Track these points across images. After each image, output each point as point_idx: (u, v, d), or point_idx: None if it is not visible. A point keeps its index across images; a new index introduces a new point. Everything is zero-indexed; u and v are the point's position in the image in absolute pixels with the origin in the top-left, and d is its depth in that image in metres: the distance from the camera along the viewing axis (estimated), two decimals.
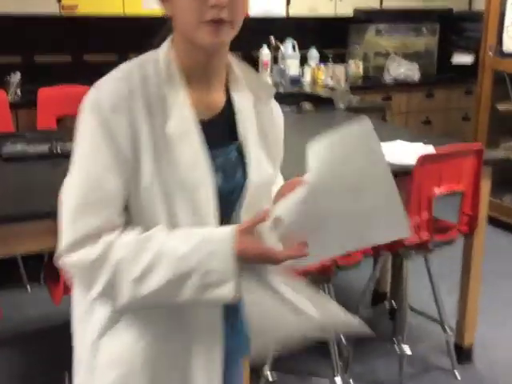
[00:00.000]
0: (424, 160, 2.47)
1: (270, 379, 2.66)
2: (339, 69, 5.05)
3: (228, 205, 1.21)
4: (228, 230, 1.09)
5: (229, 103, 1.24)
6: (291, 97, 4.53)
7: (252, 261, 1.09)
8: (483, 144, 4.64)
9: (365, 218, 1.09)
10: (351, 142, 1.06)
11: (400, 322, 2.82)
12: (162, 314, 1.16)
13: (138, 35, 1.22)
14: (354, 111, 3.92)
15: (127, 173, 1.10)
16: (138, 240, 1.09)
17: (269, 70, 4.86)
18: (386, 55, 5.34)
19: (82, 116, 1.12)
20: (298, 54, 4.97)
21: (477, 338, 3.02)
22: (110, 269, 1.07)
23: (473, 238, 2.84)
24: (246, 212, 1.21)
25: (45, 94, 3.77)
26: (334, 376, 2.57)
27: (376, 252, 2.69)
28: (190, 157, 1.13)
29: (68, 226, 1.09)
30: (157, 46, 1.21)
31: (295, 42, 4.94)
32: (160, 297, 1.08)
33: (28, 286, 3.57)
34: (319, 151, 1.07)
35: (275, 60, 4.87)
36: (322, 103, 4.20)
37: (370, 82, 5.18)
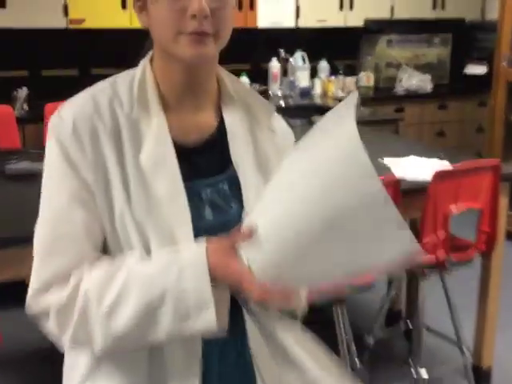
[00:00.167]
0: (440, 176, 2.39)
1: None
2: (350, 80, 4.99)
3: None
4: (199, 245, 0.95)
5: (222, 125, 1.11)
6: (301, 109, 4.47)
7: (226, 280, 0.93)
8: (498, 156, 4.57)
9: (358, 236, 0.89)
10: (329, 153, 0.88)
11: (416, 343, 2.73)
12: (142, 360, 1.02)
13: (145, 48, 1.15)
14: (366, 124, 3.84)
15: (96, 203, 0.99)
16: (107, 271, 0.97)
17: (278, 82, 4.80)
18: (398, 66, 5.26)
19: (47, 143, 1.03)
20: (307, 65, 4.90)
21: (495, 359, 2.92)
22: (79, 308, 0.95)
23: (491, 256, 2.74)
24: None
25: (51, 109, 3.72)
26: None
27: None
28: (165, 192, 1.00)
29: (35, 271, 0.99)
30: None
31: (305, 53, 4.88)
32: (136, 331, 0.95)
33: None
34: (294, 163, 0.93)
35: (285, 72, 4.80)
36: None
37: (382, 94, 5.10)
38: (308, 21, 4.84)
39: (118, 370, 1.03)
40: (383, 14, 5.13)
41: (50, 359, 3.01)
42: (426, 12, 5.30)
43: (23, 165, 2.45)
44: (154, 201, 0.99)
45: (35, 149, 3.07)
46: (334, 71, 5.06)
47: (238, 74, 4.55)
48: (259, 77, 4.78)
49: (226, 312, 0.96)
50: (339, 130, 0.89)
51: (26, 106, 3.91)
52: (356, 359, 2.66)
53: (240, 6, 4.51)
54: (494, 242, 2.62)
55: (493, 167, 2.55)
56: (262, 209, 0.94)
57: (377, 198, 0.85)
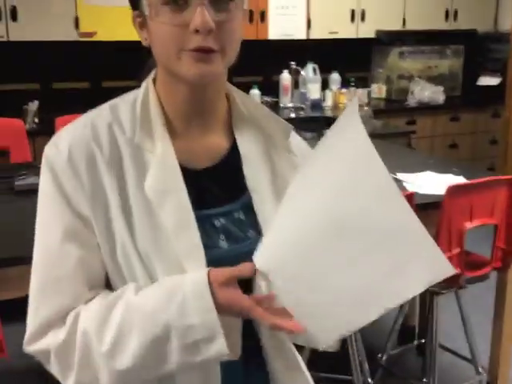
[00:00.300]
0: (454, 191, 2.34)
1: None
2: (362, 92, 4.95)
3: None
4: (200, 275, 0.88)
5: (234, 148, 1.02)
6: (312, 122, 4.44)
7: (233, 310, 0.87)
8: None
9: (386, 263, 0.82)
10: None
11: (429, 361, 2.67)
12: None
13: (146, 68, 1.09)
14: (378, 137, 3.80)
15: (94, 237, 0.92)
16: (104, 306, 0.90)
17: (289, 94, 4.78)
18: (410, 78, 5.23)
19: (41, 174, 0.95)
20: (319, 77, 4.88)
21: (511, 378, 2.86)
22: (79, 348, 0.89)
23: (507, 272, 2.69)
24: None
25: (63, 122, 3.71)
26: None
27: None
28: (173, 222, 0.91)
29: (31, 314, 0.94)
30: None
31: (316, 65, 4.86)
32: (143, 367, 0.89)
33: None
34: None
35: (296, 84, 4.78)
36: None
37: (394, 106, 5.06)
38: (319, 32, 4.83)
39: None
40: (395, 25, 5.11)
41: None
42: (438, 23, 5.27)
43: (32, 180, 2.43)
44: (161, 232, 0.92)
45: None
46: (345, 83, 5.03)
47: (249, 86, 4.54)
48: (270, 89, 4.76)
49: (239, 337, 0.91)
50: (347, 140, 0.86)
51: (36, 119, 3.91)
52: (369, 379, 2.61)
53: (251, 19, 4.50)
54: (510, 258, 2.57)
55: (508, 182, 2.50)
56: (276, 233, 0.89)
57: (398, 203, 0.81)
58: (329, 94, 4.94)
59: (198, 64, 0.90)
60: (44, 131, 3.78)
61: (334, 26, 4.87)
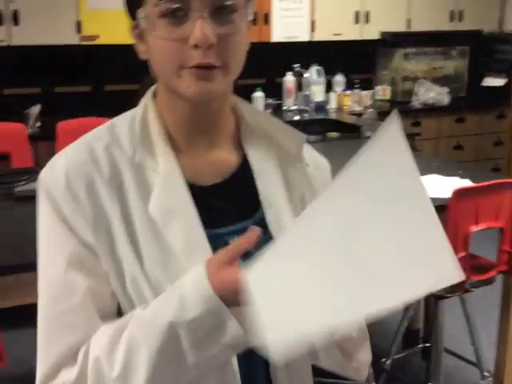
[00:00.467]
0: (460, 194, 2.32)
1: None
2: (366, 94, 4.93)
3: None
4: (198, 266, 0.82)
5: (245, 162, 0.96)
6: (316, 124, 4.42)
7: (236, 297, 0.78)
8: None
9: (400, 258, 0.78)
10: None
11: (434, 365, 2.64)
12: None
13: (144, 84, 1.05)
14: None
15: (101, 266, 0.86)
16: (112, 329, 0.84)
17: (293, 96, 4.76)
18: (415, 79, 5.20)
19: (38, 202, 0.90)
20: (323, 79, 4.85)
21: None
22: (92, 380, 0.83)
23: None
24: None
25: (64, 126, 3.71)
26: None
27: None
28: (183, 244, 0.86)
29: (41, 353, 0.87)
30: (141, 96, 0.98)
31: (320, 67, 4.83)
32: (161, 378, 0.82)
33: None
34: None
35: (300, 86, 4.76)
36: (349, 131, 4.07)
37: (398, 108, 4.99)
38: (323, 34, 4.80)
39: None
40: (399, 26, 5.08)
41: None
42: (443, 24, 5.23)
43: (33, 186, 2.41)
44: (170, 254, 0.86)
45: None
46: (349, 85, 5.00)
47: (252, 88, 4.52)
48: (274, 91, 4.74)
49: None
50: (389, 165, 0.80)
51: (38, 124, 3.90)
52: (373, 383, 2.58)
53: (254, 21, 4.47)
54: None
55: None
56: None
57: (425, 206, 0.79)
58: (333, 96, 4.92)
59: (198, 82, 0.84)
60: (46, 136, 3.79)
61: (338, 27, 4.85)
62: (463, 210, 2.35)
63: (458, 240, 2.37)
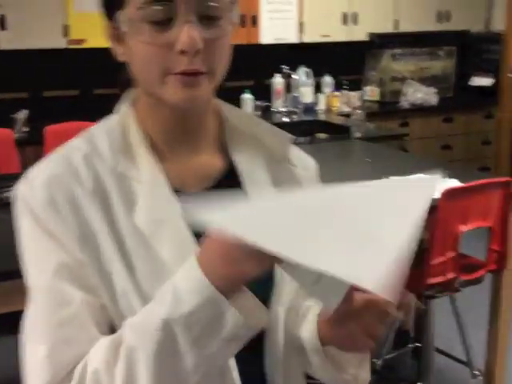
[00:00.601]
0: (449, 195, 2.33)
1: None
2: (354, 95, 4.94)
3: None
4: (189, 259, 0.77)
5: (231, 167, 0.94)
6: (305, 125, 4.43)
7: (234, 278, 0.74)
8: (506, 169, 4.52)
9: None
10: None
11: (425, 365, 2.65)
12: None
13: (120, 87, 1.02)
14: (371, 140, 3.79)
15: (89, 278, 0.82)
16: (110, 341, 0.79)
17: (282, 98, 4.77)
18: (403, 80, 5.22)
19: (18, 220, 0.86)
20: (311, 81, 4.86)
21: (507, 381, 2.84)
22: None
23: (502, 274, 2.67)
24: (281, 302, 0.91)
25: (52, 130, 3.69)
26: None
27: None
28: (173, 253, 0.83)
29: (34, 368, 0.82)
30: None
31: (309, 69, 4.84)
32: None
33: None
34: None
35: (288, 88, 4.77)
36: (337, 132, 4.08)
37: (387, 108, 5.05)
38: (311, 36, 4.81)
39: None
40: (387, 27, 5.10)
41: None
42: (430, 25, 5.26)
43: None
44: (162, 267, 0.83)
45: None
46: (338, 86, 5.01)
47: (241, 90, 4.52)
48: (263, 93, 4.74)
49: (252, 298, 0.77)
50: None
51: (25, 129, 3.88)
52: None
53: (242, 23, 4.48)
54: (505, 260, 2.56)
55: (502, 184, 2.49)
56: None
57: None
58: (322, 98, 4.92)
59: (184, 89, 0.82)
60: (33, 141, 3.76)
61: (327, 29, 4.86)
62: (452, 210, 2.36)
63: (448, 240, 2.38)
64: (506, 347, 2.78)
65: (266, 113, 4.64)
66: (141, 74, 0.85)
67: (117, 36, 0.87)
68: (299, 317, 0.97)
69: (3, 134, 3.56)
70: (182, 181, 0.89)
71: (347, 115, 4.62)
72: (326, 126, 4.33)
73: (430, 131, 5.07)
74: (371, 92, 5.16)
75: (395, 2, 5.09)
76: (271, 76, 4.76)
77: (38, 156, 3.50)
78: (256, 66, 4.80)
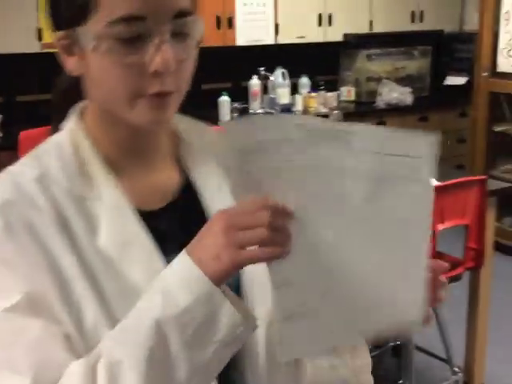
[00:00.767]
0: None
1: None
2: (331, 96, 4.96)
3: None
4: (179, 258, 0.74)
5: (188, 182, 0.90)
6: None
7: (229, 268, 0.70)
8: (480, 166, 4.57)
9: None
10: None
11: (405, 363, 2.67)
12: None
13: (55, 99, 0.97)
14: None
15: (51, 308, 0.75)
16: (84, 365, 0.72)
17: (259, 99, 4.76)
18: (378, 80, 5.25)
19: None
20: (288, 82, 4.86)
21: (487, 376, 2.87)
22: None
23: (479, 272, 2.70)
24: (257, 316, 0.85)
25: (26, 136, 3.63)
26: None
27: None
28: (143, 275, 0.78)
29: None
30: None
31: (285, 70, 4.85)
32: None
33: None
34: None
35: (265, 89, 4.77)
36: None
37: (363, 108, 5.08)
38: (287, 37, 4.82)
39: None
40: (362, 28, 5.13)
41: None
42: (404, 25, 5.30)
43: None
44: (132, 288, 0.77)
45: None
46: (314, 87, 5.03)
47: (218, 92, 4.51)
48: (240, 95, 4.73)
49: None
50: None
51: (0, 134, 3.83)
52: None
53: (218, 25, 4.47)
54: (482, 258, 2.58)
55: (478, 182, 2.52)
56: None
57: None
58: (298, 99, 4.93)
59: (153, 111, 0.78)
60: (8, 146, 3.71)
61: (302, 30, 4.87)
62: None
63: None
64: (484, 344, 2.81)
65: (244, 115, 4.63)
66: (103, 93, 0.80)
67: (67, 46, 0.80)
68: None
69: None
70: (140, 198, 0.85)
71: (325, 116, 4.64)
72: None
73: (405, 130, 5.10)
74: (347, 92, 5.19)
75: (370, 3, 5.13)
76: (248, 78, 4.76)
77: (12, 161, 3.44)
78: (233, 68, 4.79)
